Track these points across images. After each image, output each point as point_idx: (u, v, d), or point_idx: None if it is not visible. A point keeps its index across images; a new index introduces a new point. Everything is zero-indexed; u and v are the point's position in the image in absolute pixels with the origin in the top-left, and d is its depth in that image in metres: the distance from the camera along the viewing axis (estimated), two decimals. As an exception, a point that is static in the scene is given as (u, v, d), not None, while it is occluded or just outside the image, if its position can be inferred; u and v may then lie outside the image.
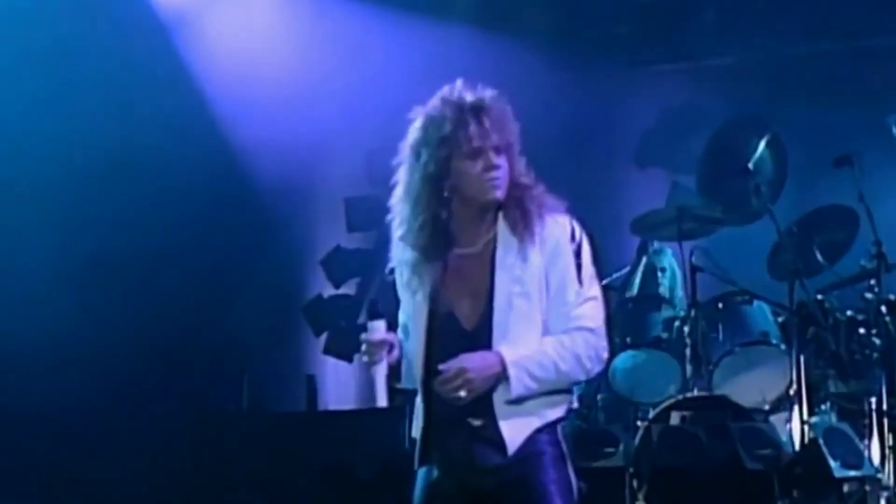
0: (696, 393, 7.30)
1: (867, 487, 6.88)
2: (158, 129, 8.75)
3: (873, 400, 7.16)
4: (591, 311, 4.31)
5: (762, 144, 7.79)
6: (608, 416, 7.85)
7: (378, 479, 7.98)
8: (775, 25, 9.51)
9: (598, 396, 7.83)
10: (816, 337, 7.35)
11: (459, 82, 4.32)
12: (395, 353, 4.33)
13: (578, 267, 4.30)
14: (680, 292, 7.89)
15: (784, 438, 7.08)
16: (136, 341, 8.68)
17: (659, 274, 7.92)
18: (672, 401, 7.20)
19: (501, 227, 4.33)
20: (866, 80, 9.35)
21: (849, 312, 7.42)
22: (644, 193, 9.27)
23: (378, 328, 4.30)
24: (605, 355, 4.36)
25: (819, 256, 7.68)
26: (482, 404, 4.22)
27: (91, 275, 8.62)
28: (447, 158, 4.27)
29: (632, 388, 7.61)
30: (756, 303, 7.60)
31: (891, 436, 7.06)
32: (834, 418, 7.21)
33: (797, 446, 7.06)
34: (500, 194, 4.29)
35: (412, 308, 4.40)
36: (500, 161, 4.28)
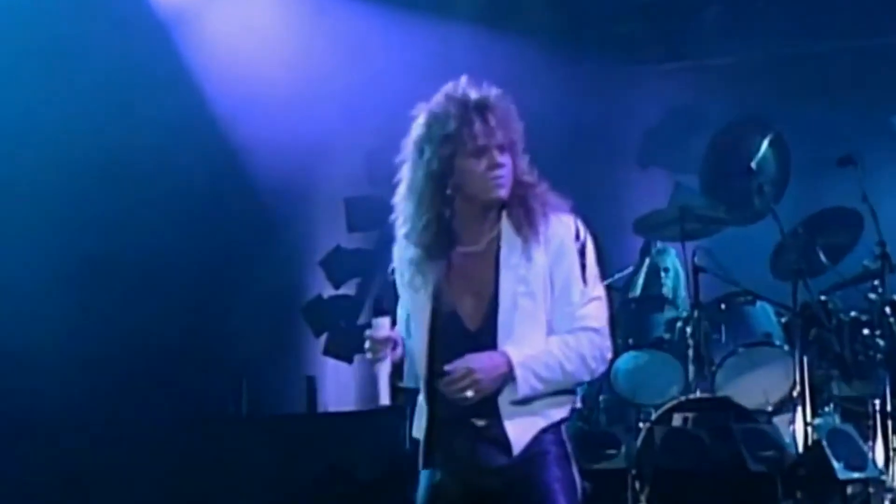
0: (698, 394, 7.28)
1: (871, 489, 6.86)
2: (157, 129, 8.75)
3: (877, 401, 7.13)
4: (596, 311, 4.29)
5: (765, 144, 7.75)
6: (610, 417, 7.82)
7: (379, 481, 7.99)
8: (778, 24, 9.48)
9: (600, 398, 7.80)
10: (820, 338, 7.31)
11: (464, 79, 4.29)
12: (399, 350, 4.31)
13: (583, 266, 4.28)
14: (683, 293, 7.86)
15: (787, 440, 7.05)
16: (134, 342, 8.67)
17: (662, 274, 7.88)
18: (674, 402, 7.18)
19: (505, 225, 4.30)
20: (870, 80, 9.31)
21: (852, 313, 7.39)
22: (646, 193, 9.25)
23: (383, 325, 4.27)
24: (609, 355, 4.35)
25: (822, 257, 7.65)
26: (486, 405, 4.21)
27: (89, 275, 8.62)
28: (451, 156, 4.23)
29: (634, 390, 7.57)
30: (759, 303, 7.58)
31: (895, 437, 7.04)
32: (838, 420, 7.18)
33: (800, 448, 7.02)
34: (503, 193, 4.27)
35: (414, 306, 4.37)
36: (504, 159, 4.25)
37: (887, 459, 7.01)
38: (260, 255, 9.63)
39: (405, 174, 4.35)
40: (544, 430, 4.24)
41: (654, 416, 7.18)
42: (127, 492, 8.31)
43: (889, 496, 6.89)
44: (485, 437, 4.22)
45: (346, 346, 9.82)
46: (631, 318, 7.69)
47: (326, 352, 10.03)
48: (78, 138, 8.44)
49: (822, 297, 7.42)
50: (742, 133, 7.99)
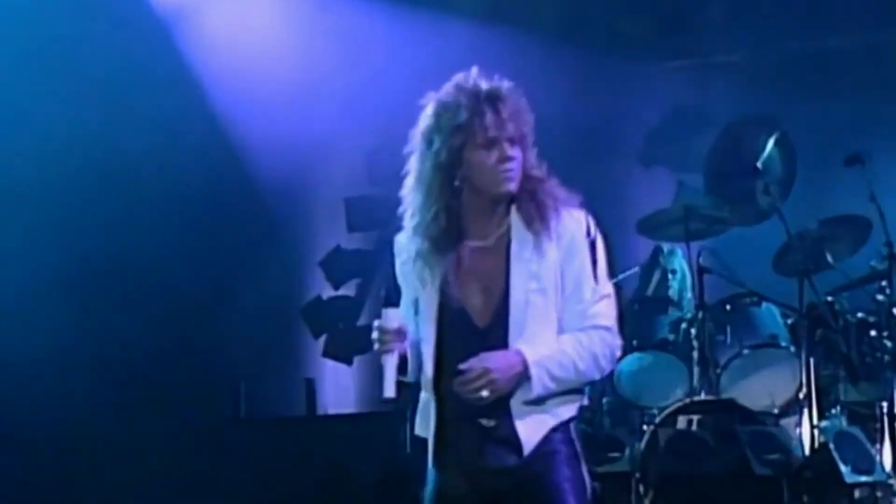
0: (703, 396, 7.24)
1: (878, 493, 6.81)
2: (156, 129, 8.75)
3: (885, 404, 7.09)
4: (607, 308, 4.25)
5: (771, 143, 7.67)
6: (613, 420, 7.78)
7: (379, 484, 7.97)
8: (784, 21, 9.43)
9: (604, 400, 7.76)
10: (826, 339, 7.27)
11: (474, 70, 4.23)
12: (406, 343, 4.25)
13: (594, 263, 4.23)
14: (689, 294, 7.83)
15: (794, 443, 7.01)
16: (131, 344, 8.66)
17: (669, 276, 7.88)
18: (679, 404, 7.14)
19: (515, 220, 4.24)
20: (877, 77, 9.27)
21: (859, 314, 7.36)
22: (649, 193, 9.22)
23: (394, 316, 4.20)
24: (619, 354, 4.32)
25: (829, 259, 7.59)
26: (496, 404, 4.16)
27: (85, 277, 8.62)
28: (460, 147, 4.17)
29: (638, 392, 7.53)
30: (764, 304, 7.54)
31: (902, 440, 7.00)
32: (845, 422, 7.14)
33: (807, 451, 6.98)
34: (513, 187, 4.21)
35: (421, 300, 4.30)
36: (515, 152, 4.19)
37: (895, 462, 6.96)
38: (259, 256, 9.61)
39: (413, 165, 4.28)
40: (554, 430, 4.19)
41: (658, 419, 7.14)
42: (125, 495, 8.31)
43: (897, 500, 6.85)
44: (493, 438, 4.18)
45: (346, 347, 9.83)
46: (635, 320, 7.63)
47: (326, 353, 10.00)
48: (75, 138, 8.44)
49: (829, 298, 7.38)
50: (747, 132, 7.92)
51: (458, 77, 4.23)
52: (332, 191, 10.10)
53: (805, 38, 9.51)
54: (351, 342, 9.80)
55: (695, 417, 7.04)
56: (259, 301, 9.56)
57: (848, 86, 9.30)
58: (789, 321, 7.49)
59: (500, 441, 4.17)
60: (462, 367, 4.12)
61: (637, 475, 6.97)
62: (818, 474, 6.76)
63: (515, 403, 4.15)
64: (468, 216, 4.25)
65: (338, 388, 9.86)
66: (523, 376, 4.12)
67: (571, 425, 4.24)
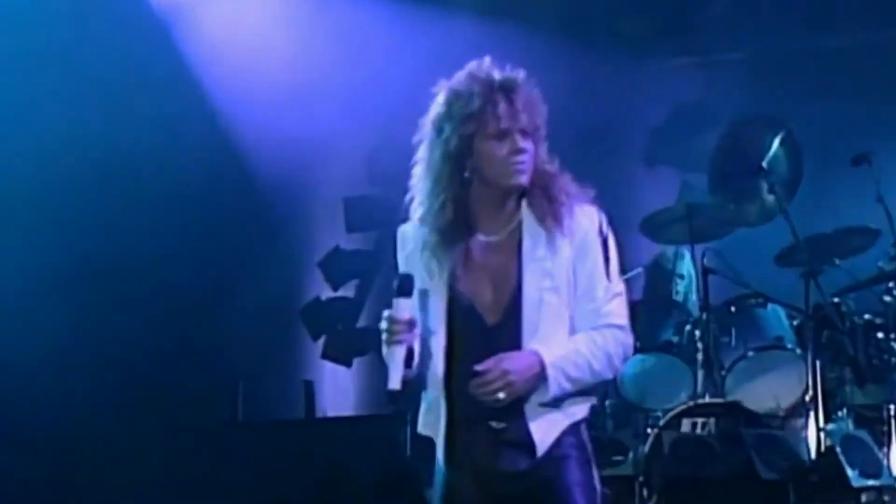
0: (707, 399, 7.21)
1: (886, 497, 6.72)
2: (154, 129, 8.75)
3: (892, 406, 7.02)
4: (619, 307, 4.22)
5: (776, 142, 7.61)
6: (617, 423, 7.77)
7: (378, 487, 7.91)
8: (789, 19, 9.41)
9: (607, 403, 7.74)
10: (833, 341, 7.23)
11: (487, 59, 4.18)
12: (414, 336, 4.18)
13: (606, 260, 4.20)
14: (693, 297, 7.82)
15: (800, 446, 6.98)
16: (128, 345, 8.65)
17: (678, 280, 7.88)
18: (683, 407, 7.10)
19: (526, 215, 4.19)
20: (881, 76, 9.24)
21: (866, 316, 7.32)
22: (653, 192, 9.20)
23: (406, 306, 4.13)
24: (631, 353, 4.30)
25: (836, 261, 7.58)
26: (508, 406, 4.11)
27: (84, 277, 8.61)
28: (471, 136, 4.12)
29: (641, 395, 7.49)
30: (770, 306, 7.51)
31: (910, 444, 6.96)
32: (851, 425, 7.08)
33: (813, 454, 6.94)
34: (524, 179, 4.15)
35: (430, 294, 4.22)
36: (527, 145, 4.14)
37: (903, 466, 6.93)
38: (257, 256, 9.60)
39: (422, 154, 4.23)
40: (566, 432, 4.15)
41: (662, 422, 7.11)
42: (123, 495, 8.30)
43: (904, 504, 6.82)
44: (505, 440, 4.14)
45: (345, 349, 9.81)
46: (639, 322, 7.57)
47: (325, 355, 9.97)
48: (74, 138, 8.44)
49: (835, 300, 7.33)
50: (752, 131, 7.86)
51: (471, 66, 4.19)
52: (332, 191, 10.08)
53: (809, 36, 9.50)
54: (350, 344, 9.81)
55: (699, 420, 7.01)
56: (258, 302, 9.54)
57: (852, 85, 9.26)
58: (795, 323, 7.47)
59: (512, 444, 4.12)
60: (478, 368, 4.06)
61: (641, 479, 6.94)
62: (825, 478, 6.69)
63: (530, 405, 4.11)
64: (477, 209, 4.20)
65: (337, 390, 9.84)
66: (540, 377, 4.08)
67: (582, 426, 4.21)
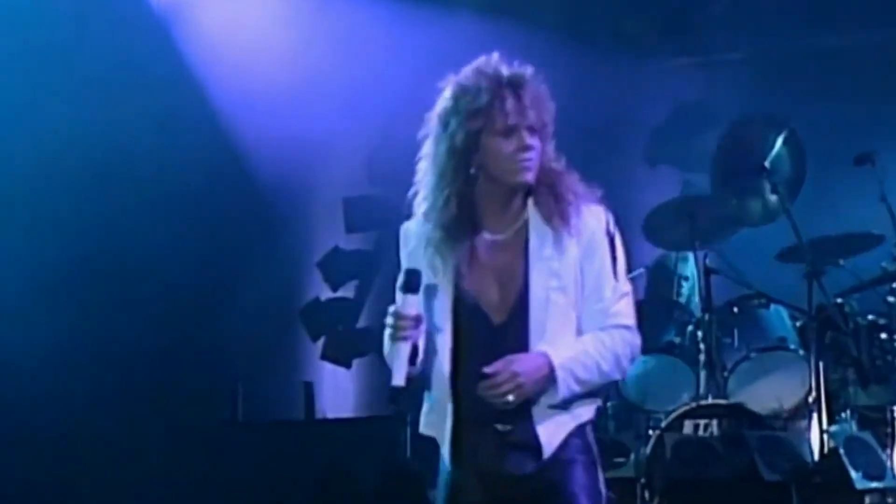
0: (710, 400, 7.17)
1: (890, 500, 6.70)
2: (154, 129, 8.76)
3: (896, 408, 7.05)
4: (627, 307, 4.19)
5: (779, 142, 7.57)
6: (618, 424, 7.75)
7: (378, 489, 7.92)
8: (789, 18, 9.41)
9: (609, 404, 7.72)
10: (836, 342, 7.19)
11: (496, 55, 4.14)
12: (419, 333, 4.13)
13: (613, 260, 4.16)
14: (696, 298, 7.79)
15: (803, 448, 6.94)
16: (127, 346, 8.64)
17: (683, 283, 7.86)
18: (685, 409, 7.07)
19: (533, 214, 4.15)
20: (883, 76, 9.22)
21: (870, 317, 7.29)
22: (654, 192, 9.14)
23: (412, 302, 4.08)
24: (639, 354, 4.25)
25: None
26: (514, 408, 4.07)
27: (83, 277, 8.61)
28: (478, 132, 4.08)
29: (643, 396, 7.46)
30: (773, 306, 7.49)
31: (915, 446, 6.94)
32: (855, 427, 7.07)
33: (816, 456, 6.91)
34: (530, 177, 4.11)
35: (435, 291, 4.18)
36: (534, 142, 4.10)
37: (906, 468, 6.91)
38: (256, 257, 9.57)
39: (427, 149, 4.19)
40: (572, 434, 4.12)
41: (664, 423, 7.08)
42: (122, 496, 8.31)
43: (908, 506, 6.79)
44: (510, 443, 4.10)
45: (345, 350, 9.80)
46: (640, 322, 7.52)
47: (324, 356, 9.96)
48: (73, 137, 8.43)
49: (839, 300, 7.30)
50: (754, 130, 7.82)
51: (479, 61, 4.15)
52: (332, 191, 10.07)
53: (810, 35, 9.49)
54: (350, 345, 9.80)
55: (701, 422, 6.98)
56: (257, 302, 9.52)
57: (857, 83, 9.26)
58: (798, 323, 7.44)
59: (518, 446, 4.09)
60: (488, 370, 4.02)
61: (642, 481, 6.91)
62: (828, 480, 6.66)
63: (537, 407, 4.07)
64: (483, 206, 4.16)
65: (336, 391, 9.83)
66: (549, 379, 4.04)
67: (588, 428, 4.18)
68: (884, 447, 6.86)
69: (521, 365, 4.01)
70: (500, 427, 4.08)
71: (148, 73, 8.75)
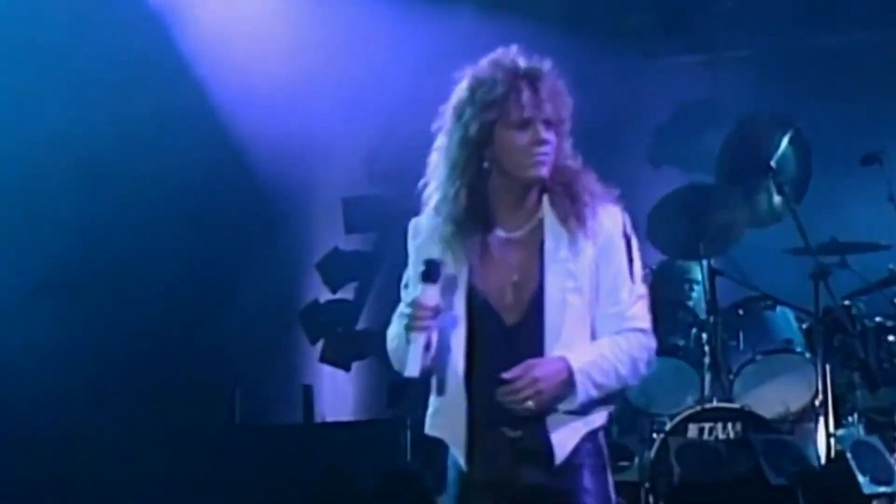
0: (715, 403, 7.14)
1: (897, 505, 6.74)
2: (152, 127, 8.74)
3: (904, 411, 7.05)
4: (643, 310, 4.13)
5: (785, 141, 7.57)
6: (622, 428, 7.70)
7: (378, 492, 7.87)
8: (795, 16, 9.38)
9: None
10: (843, 344, 7.16)
11: (514, 48, 4.07)
12: (436, 325, 4.05)
13: (630, 262, 4.09)
14: (702, 302, 7.70)
15: (809, 452, 6.94)
16: (123, 350, 8.63)
17: (693, 285, 7.80)
18: (690, 412, 7.04)
19: (548, 213, 4.08)
20: (890, 75, 9.17)
21: (877, 319, 7.28)
22: (659, 192, 9.08)
23: (432, 293, 4.00)
24: (654, 357, 4.19)
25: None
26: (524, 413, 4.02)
27: (81, 278, 8.63)
28: (492, 123, 4.01)
29: (647, 399, 7.39)
30: (779, 308, 7.48)
31: (923, 450, 6.92)
32: (862, 431, 7.06)
33: (823, 460, 6.92)
34: (544, 172, 4.03)
35: (448, 287, 4.10)
36: (549, 136, 4.02)
37: (914, 473, 6.88)
38: (255, 258, 9.54)
39: (440, 142, 4.11)
40: (584, 439, 4.06)
41: (668, 427, 7.04)
42: (120, 497, 8.28)
43: (916, 512, 6.78)
44: (522, 448, 4.04)
45: (344, 352, 9.76)
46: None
47: (323, 359, 9.91)
48: (71, 135, 8.40)
49: (846, 302, 7.27)
50: (760, 129, 7.82)
51: (496, 53, 4.09)
52: (331, 191, 10.03)
53: (815, 34, 9.46)
54: (349, 347, 9.77)
55: (706, 425, 6.95)
56: (255, 304, 9.49)
57: (864, 81, 9.22)
58: (804, 326, 7.42)
59: (529, 452, 4.03)
60: (507, 376, 3.94)
61: (647, 485, 6.90)
62: (835, 484, 6.64)
63: (553, 412, 4.00)
64: (496, 202, 4.09)
65: (336, 394, 9.80)
66: (567, 384, 3.96)
67: (600, 434, 4.13)
68: (891, 451, 6.84)
69: (540, 370, 3.93)
70: (511, 433, 4.02)
71: (147, 72, 8.73)
